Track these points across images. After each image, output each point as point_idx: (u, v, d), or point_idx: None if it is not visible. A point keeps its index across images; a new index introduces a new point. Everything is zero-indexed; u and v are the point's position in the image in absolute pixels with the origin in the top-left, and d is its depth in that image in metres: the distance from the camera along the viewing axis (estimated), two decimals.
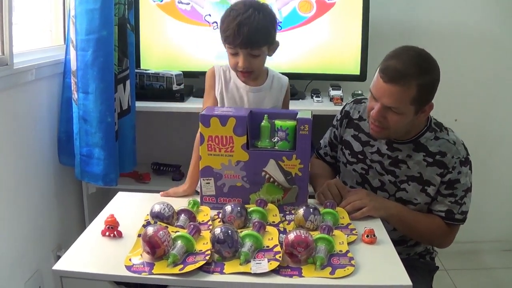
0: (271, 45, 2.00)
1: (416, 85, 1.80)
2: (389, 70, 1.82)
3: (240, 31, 1.87)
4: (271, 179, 1.83)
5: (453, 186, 1.98)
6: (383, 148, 2.06)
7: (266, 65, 2.07)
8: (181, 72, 2.93)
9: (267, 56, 2.02)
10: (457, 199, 1.98)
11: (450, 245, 2.08)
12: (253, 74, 2.02)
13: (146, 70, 2.95)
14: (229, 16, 1.91)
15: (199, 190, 1.94)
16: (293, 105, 2.84)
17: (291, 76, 3.10)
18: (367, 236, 1.66)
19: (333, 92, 3.03)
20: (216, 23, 2.94)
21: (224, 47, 2.01)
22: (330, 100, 3.02)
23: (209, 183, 1.85)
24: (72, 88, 2.62)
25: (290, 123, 1.83)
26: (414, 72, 1.80)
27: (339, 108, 2.32)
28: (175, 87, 2.84)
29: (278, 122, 1.85)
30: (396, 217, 1.93)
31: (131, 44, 2.77)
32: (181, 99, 2.87)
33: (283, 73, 3.07)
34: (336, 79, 3.14)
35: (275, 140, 1.85)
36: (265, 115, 1.86)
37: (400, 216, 1.95)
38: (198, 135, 1.99)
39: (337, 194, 1.94)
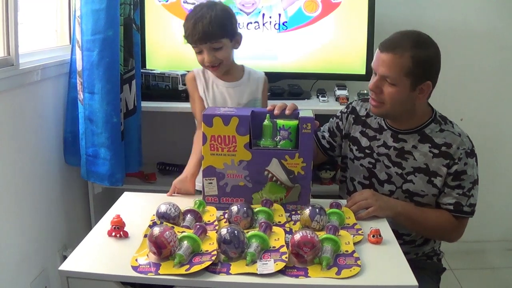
0: (233, 38, 2.12)
1: (410, 57, 1.86)
2: (386, 41, 1.94)
3: (196, 28, 2.01)
4: (274, 178, 1.83)
5: (460, 177, 1.98)
6: (389, 140, 2.08)
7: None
8: (187, 72, 2.92)
9: (234, 50, 2.18)
10: (465, 191, 1.98)
11: (459, 238, 2.07)
12: (221, 67, 2.13)
13: (151, 70, 2.95)
14: (187, 18, 2.07)
15: (200, 189, 1.95)
16: (299, 105, 2.84)
17: (297, 76, 3.14)
18: (373, 236, 1.66)
19: (338, 92, 3.03)
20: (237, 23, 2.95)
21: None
22: (336, 100, 3.01)
23: (211, 183, 1.85)
24: (78, 88, 2.62)
25: (293, 122, 1.84)
26: (409, 43, 1.88)
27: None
28: (181, 87, 2.83)
29: (280, 121, 1.86)
30: (403, 215, 1.93)
31: (136, 44, 2.78)
32: (187, 99, 2.86)
33: (289, 73, 3.10)
34: (341, 79, 3.14)
35: (277, 139, 1.86)
36: (267, 114, 1.87)
37: (406, 214, 1.95)
38: (197, 133, 2.10)
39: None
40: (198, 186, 2.12)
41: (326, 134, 2.30)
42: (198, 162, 2.04)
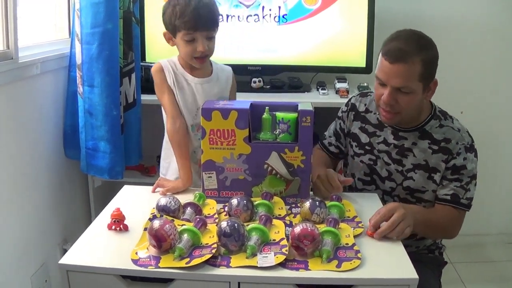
0: (217, 29, 2.05)
1: (420, 61, 1.83)
2: (392, 51, 1.86)
3: (200, 14, 1.93)
4: (274, 171, 1.83)
5: (459, 171, 1.97)
6: (389, 138, 2.07)
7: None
8: None
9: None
10: (463, 184, 1.96)
11: (457, 234, 2.04)
12: (208, 58, 2.06)
13: (151, 63, 2.92)
14: (179, 3, 1.95)
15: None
16: (299, 98, 2.84)
17: (297, 68, 3.14)
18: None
19: (338, 85, 3.03)
20: (221, 16, 2.93)
21: (167, 38, 2.06)
22: (336, 93, 3.02)
23: (211, 177, 1.85)
24: (78, 82, 2.62)
25: (292, 115, 1.83)
26: (416, 48, 1.84)
27: (345, 100, 2.32)
28: None
29: (279, 114, 1.85)
30: (419, 224, 1.80)
31: (136, 37, 2.77)
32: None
33: (289, 66, 3.09)
34: (341, 72, 3.14)
35: (277, 132, 1.86)
36: (266, 108, 1.87)
37: (420, 221, 1.82)
38: (169, 127, 2.03)
39: (329, 186, 1.93)
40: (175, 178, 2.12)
41: (333, 139, 2.28)
42: (187, 167, 2.01)
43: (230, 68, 2.22)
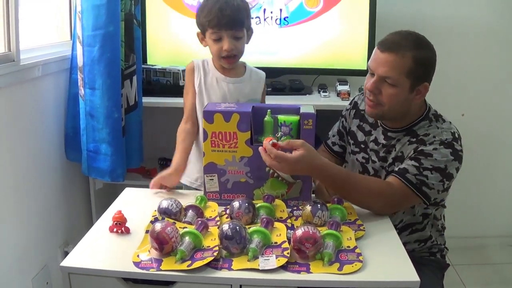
0: (248, 31, 2.07)
1: (412, 57, 1.84)
2: (386, 42, 1.90)
3: (224, 13, 1.95)
4: (275, 174, 1.83)
5: (422, 155, 1.87)
6: (380, 137, 2.07)
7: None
8: None
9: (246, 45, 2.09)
10: (420, 167, 1.85)
11: (387, 211, 1.87)
12: (236, 58, 2.06)
13: (152, 65, 2.94)
14: (208, 3, 2.00)
15: (182, 182, 2.05)
16: (300, 100, 2.83)
17: (298, 71, 3.13)
18: None
19: (340, 87, 3.03)
20: (253, 18, 2.94)
21: (200, 38, 2.08)
22: (337, 95, 3.02)
23: (212, 179, 1.85)
24: (79, 84, 2.63)
25: (294, 118, 1.83)
26: (410, 44, 1.86)
27: (346, 103, 2.32)
28: (182, 82, 2.82)
29: (281, 117, 1.85)
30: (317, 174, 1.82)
31: (137, 40, 2.77)
32: None
33: (290, 68, 3.09)
34: (343, 74, 3.14)
35: (279, 135, 1.85)
36: (268, 110, 1.86)
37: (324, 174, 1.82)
38: (181, 124, 2.11)
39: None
40: (187, 180, 2.15)
41: (336, 138, 2.29)
42: (182, 157, 2.04)
43: (263, 73, 2.23)
